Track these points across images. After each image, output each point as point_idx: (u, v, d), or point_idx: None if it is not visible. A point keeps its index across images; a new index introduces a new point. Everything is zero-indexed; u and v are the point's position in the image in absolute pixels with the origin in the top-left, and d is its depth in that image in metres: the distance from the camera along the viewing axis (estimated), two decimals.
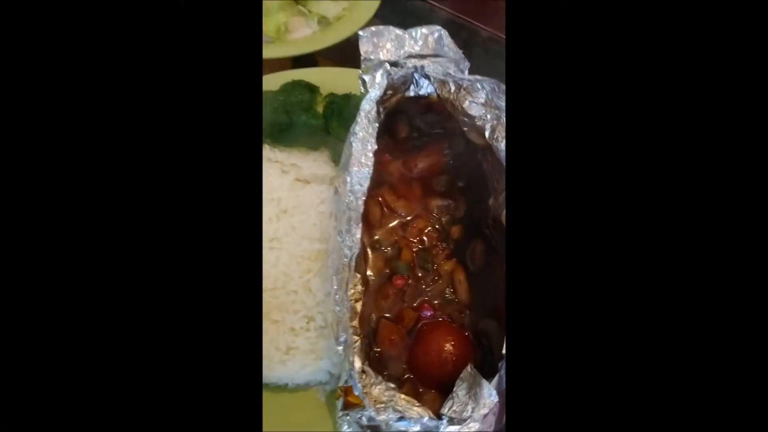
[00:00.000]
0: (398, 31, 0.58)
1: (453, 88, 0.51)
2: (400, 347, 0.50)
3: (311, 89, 0.64)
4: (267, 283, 0.50)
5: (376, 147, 0.46)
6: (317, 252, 0.53)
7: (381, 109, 0.55)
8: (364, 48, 0.58)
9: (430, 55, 0.59)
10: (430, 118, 0.64)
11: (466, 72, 0.52)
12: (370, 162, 0.46)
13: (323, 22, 0.83)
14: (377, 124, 0.47)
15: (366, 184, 0.45)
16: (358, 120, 0.48)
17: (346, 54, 0.79)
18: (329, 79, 0.67)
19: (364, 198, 0.44)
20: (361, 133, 0.47)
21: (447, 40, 0.60)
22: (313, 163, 0.59)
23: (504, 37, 0.77)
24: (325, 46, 0.74)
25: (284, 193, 0.55)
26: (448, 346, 0.49)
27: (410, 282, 0.53)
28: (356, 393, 0.40)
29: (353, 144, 0.47)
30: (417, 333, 0.51)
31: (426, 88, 0.63)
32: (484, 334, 0.51)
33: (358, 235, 0.44)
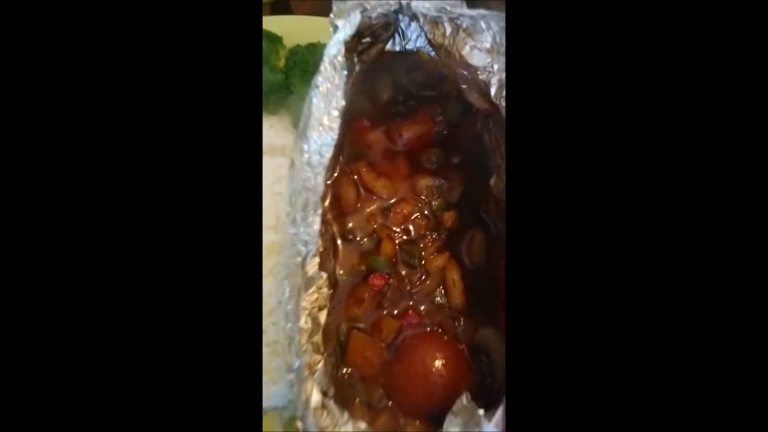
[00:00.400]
0: None
1: (449, 30, 0.39)
2: (377, 366, 0.39)
3: (271, 39, 0.51)
4: None
5: (343, 103, 0.34)
6: (270, 245, 0.42)
7: (356, 60, 0.43)
8: None
9: None
10: (419, 77, 0.51)
11: (464, 7, 0.40)
12: (336, 124, 0.34)
13: None
14: (345, 73, 0.35)
15: (328, 154, 0.33)
16: (322, 69, 0.36)
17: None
18: (297, 30, 0.54)
19: (324, 173, 0.33)
20: (324, 86, 0.35)
21: None
22: (269, 130, 0.47)
23: None
24: None
25: None
26: (438, 365, 0.39)
27: (391, 282, 0.42)
28: None
29: (313, 100, 0.35)
30: (398, 347, 0.40)
31: (415, 39, 0.51)
32: (483, 348, 0.41)
33: (317, 226, 0.32)
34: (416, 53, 0.52)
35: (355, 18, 0.37)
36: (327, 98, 0.34)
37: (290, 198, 0.35)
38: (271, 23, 0.55)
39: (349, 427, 0.31)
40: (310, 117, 0.34)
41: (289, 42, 0.53)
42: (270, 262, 0.42)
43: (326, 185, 0.35)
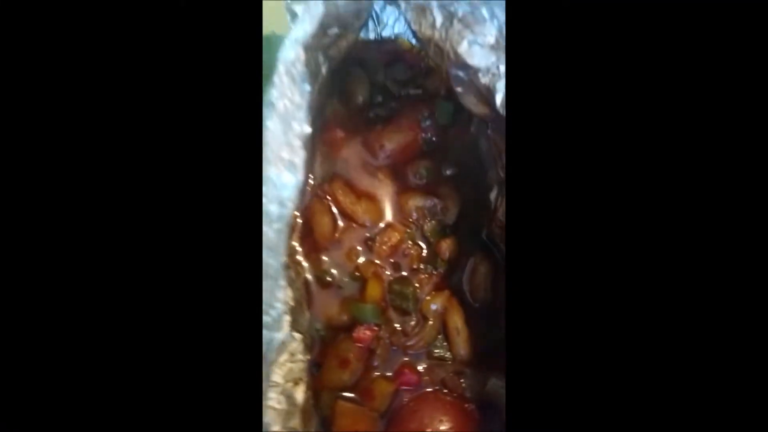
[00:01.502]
0: None
1: (439, 19, 0.30)
2: None
3: None
4: None
5: (309, 130, 0.26)
6: None
7: (322, 60, 0.34)
8: None
9: None
10: (400, 71, 0.43)
11: None
12: (300, 158, 0.25)
13: None
14: (308, 88, 0.26)
15: (291, 204, 0.24)
16: (276, 81, 0.26)
17: None
18: None
19: (287, 232, 0.24)
20: (281, 103, 0.26)
21: None
22: None
23: None
24: None
25: None
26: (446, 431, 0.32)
27: (381, 334, 0.35)
28: None
29: (268, 124, 0.26)
30: (394, 415, 0.33)
31: (392, 24, 0.42)
32: (495, 403, 0.34)
33: (281, 304, 0.24)
34: (395, 41, 0.43)
35: (317, 7, 0.28)
36: (285, 121, 0.26)
37: None
38: None
39: None
40: (266, 148, 0.25)
41: None
42: None
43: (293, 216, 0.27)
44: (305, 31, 0.27)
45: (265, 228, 0.24)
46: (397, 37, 0.43)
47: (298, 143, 0.25)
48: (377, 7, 0.40)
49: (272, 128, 0.26)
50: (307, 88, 0.26)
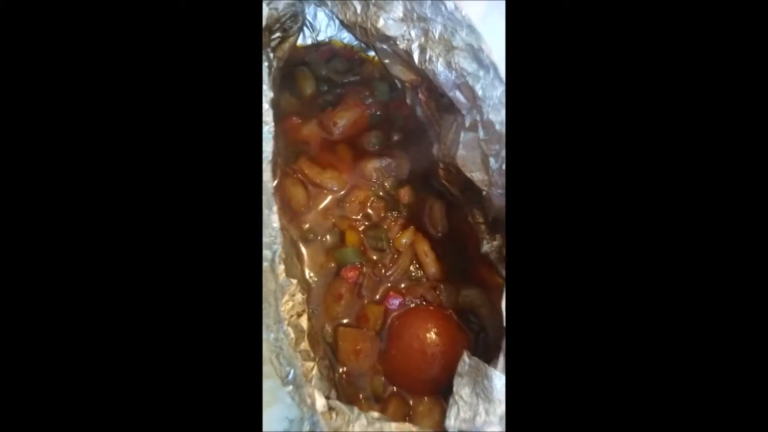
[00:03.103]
0: None
1: (359, 8, 0.38)
2: (373, 356, 0.38)
3: None
4: None
5: (272, 95, 0.33)
6: None
7: (272, 56, 0.41)
8: None
9: None
10: (338, 65, 0.51)
11: None
12: (269, 117, 0.32)
13: None
14: (266, 64, 0.34)
15: (268, 147, 0.31)
16: None
17: None
18: None
19: (269, 169, 0.31)
20: None
21: None
22: None
23: None
24: None
25: None
26: (432, 336, 0.38)
27: (365, 271, 0.41)
28: None
29: None
30: (389, 331, 0.39)
31: (324, 29, 0.50)
32: (469, 307, 0.41)
33: (276, 224, 0.30)
34: (329, 43, 0.51)
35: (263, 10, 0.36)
36: None
37: None
38: None
39: (363, 420, 0.29)
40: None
41: None
42: None
43: (273, 188, 0.33)
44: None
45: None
46: (330, 39, 0.51)
47: (266, 106, 0.32)
48: (309, 15, 0.47)
49: None
50: (266, 66, 0.33)
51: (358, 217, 0.44)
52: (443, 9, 0.35)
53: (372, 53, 0.49)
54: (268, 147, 0.31)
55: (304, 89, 0.49)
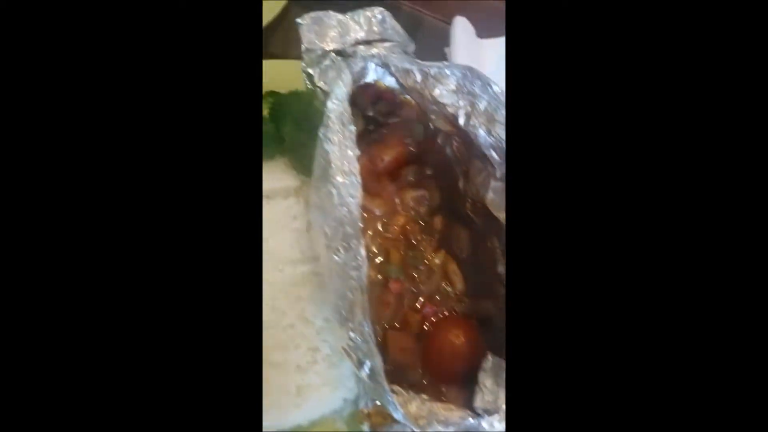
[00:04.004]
0: (340, 17, 0.53)
1: (419, 77, 0.48)
2: (414, 354, 0.48)
3: None
4: None
5: (359, 152, 0.42)
6: (303, 275, 0.48)
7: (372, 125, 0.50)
8: (306, 38, 0.52)
9: (376, 40, 0.56)
10: (382, 107, 0.60)
11: (411, 51, 0.49)
12: (356, 169, 0.42)
13: None
14: (353, 127, 0.43)
15: (358, 194, 0.41)
16: (329, 124, 0.43)
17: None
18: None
19: (357, 210, 0.40)
20: (335, 138, 0.42)
21: (391, 21, 0.56)
22: (271, 176, 0.52)
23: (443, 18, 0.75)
24: None
25: None
26: (460, 339, 0.49)
27: (405, 284, 0.51)
28: (398, 418, 0.38)
29: (329, 151, 0.42)
30: (425, 335, 0.49)
31: (370, 74, 0.60)
32: (486, 317, 0.52)
33: (363, 252, 0.40)
34: (375, 85, 0.60)
35: (347, 76, 0.45)
36: (342, 148, 0.42)
37: (325, 233, 0.42)
38: None
39: (417, 401, 0.40)
40: (330, 165, 0.41)
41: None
42: (307, 290, 0.48)
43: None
44: (343, 92, 0.44)
45: (343, 211, 0.40)
46: (376, 81, 0.60)
47: (354, 162, 0.42)
48: (375, 67, 0.56)
49: (330, 150, 0.42)
50: (352, 129, 0.43)
51: (399, 238, 0.54)
52: (489, 90, 0.45)
53: (410, 96, 0.59)
54: (357, 194, 0.40)
55: (357, 127, 0.58)
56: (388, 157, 0.57)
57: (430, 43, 0.70)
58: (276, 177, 0.53)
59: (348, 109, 0.43)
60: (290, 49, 0.68)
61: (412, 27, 0.58)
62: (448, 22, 0.72)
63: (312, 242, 0.49)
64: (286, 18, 0.71)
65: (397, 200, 0.56)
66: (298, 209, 0.51)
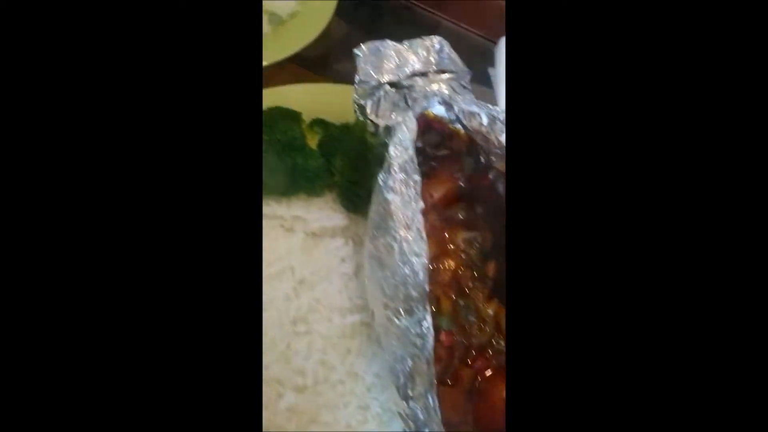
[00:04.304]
0: (398, 46, 0.50)
1: (486, 120, 0.45)
2: (466, 411, 0.45)
3: (293, 117, 0.53)
4: (306, 380, 0.41)
5: (423, 206, 0.39)
6: (353, 326, 0.45)
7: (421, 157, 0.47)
8: (363, 70, 0.49)
9: (433, 72, 0.52)
10: (432, 137, 0.57)
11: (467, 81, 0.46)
12: (420, 224, 0.39)
13: (274, 20, 0.70)
14: (418, 177, 0.40)
15: (424, 252, 0.38)
16: (392, 172, 0.40)
17: (305, 59, 0.68)
18: (308, 98, 0.56)
19: (425, 270, 0.37)
20: (399, 187, 0.39)
21: (447, 49, 0.53)
22: (320, 213, 0.50)
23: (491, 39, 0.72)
24: (295, 50, 0.62)
25: (296, 257, 0.46)
26: None
27: (456, 337, 0.48)
28: None
29: (390, 200, 0.39)
30: (476, 391, 0.47)
31: (423, 106, 0.56)
32: None
33: (430, 319, 0.37)
34: (423, 114, 0.57)
35: (411, 121, 0.42)
36: (404, 200, 0.39)
37: (383, 288, 0.39)
38: (283, 94, 0.56)
39: None
40: (391, 216, 0.39)
41: (306, 115, 0.55)
42: (356, 342, 0.45)
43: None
44: (408, 138, 0.41)
45: (405, 269, 0.37)
46: (425, 110, 0.57)
47: (418, 215, 0.39)
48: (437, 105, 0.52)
49: (395, 203, 0.39)
50: (417, 178, 0.40)
51: (450, 285, 0.51)
52: None
53: (459, 126, 0.56)
54: (424, 253, 0.37)
55: None
56: (438, 193, 0.54)
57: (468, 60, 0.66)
58: (327, 215, 0.50)
59: (413, 157, 0.40)
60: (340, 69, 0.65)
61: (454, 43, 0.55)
62: (488, 38, 0.69)
63: (364, 292, 0.47)
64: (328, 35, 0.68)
65: (449, 243, 0.53)
66: (346, 251, 0.48)
